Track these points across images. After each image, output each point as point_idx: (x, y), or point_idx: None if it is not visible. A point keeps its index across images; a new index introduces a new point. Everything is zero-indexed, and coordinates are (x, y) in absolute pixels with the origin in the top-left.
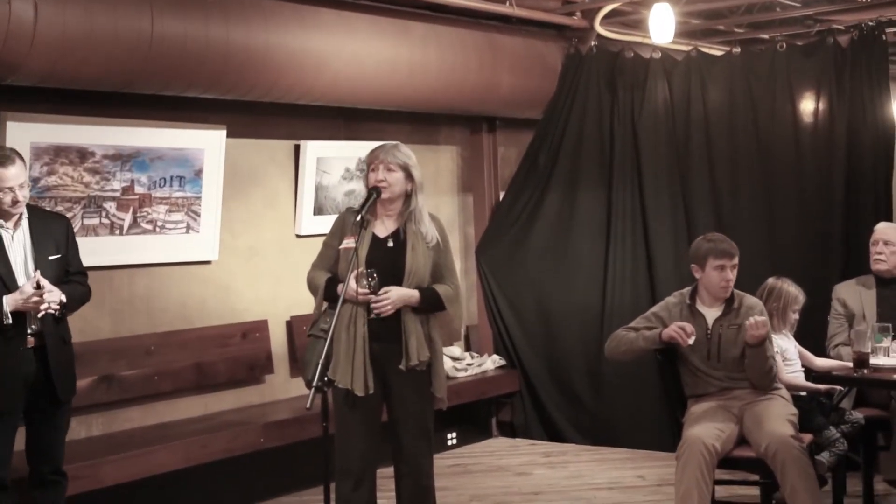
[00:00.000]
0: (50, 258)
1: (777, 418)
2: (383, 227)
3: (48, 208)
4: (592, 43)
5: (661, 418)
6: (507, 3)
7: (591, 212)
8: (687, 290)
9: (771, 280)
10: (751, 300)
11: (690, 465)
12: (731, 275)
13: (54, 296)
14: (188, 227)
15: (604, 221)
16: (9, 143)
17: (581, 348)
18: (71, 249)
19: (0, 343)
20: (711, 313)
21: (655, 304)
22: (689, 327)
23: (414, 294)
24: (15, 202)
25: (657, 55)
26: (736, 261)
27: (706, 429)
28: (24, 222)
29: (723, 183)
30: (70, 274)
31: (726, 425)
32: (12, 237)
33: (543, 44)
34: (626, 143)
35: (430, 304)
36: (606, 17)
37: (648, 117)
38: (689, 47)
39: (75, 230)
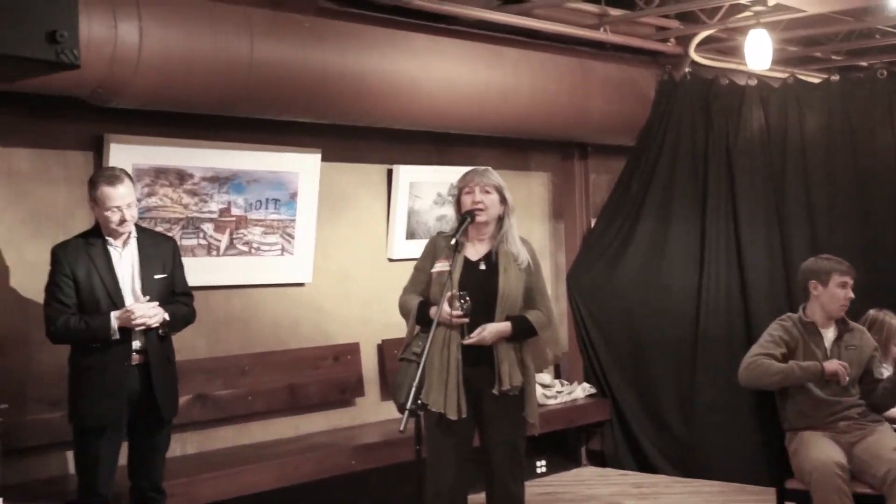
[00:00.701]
0: (156, 277)
1: (893, 448)
2: (475, 251)
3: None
4: (686, 69)
5: (756, 450)
6: (602, 30)
7: (685, 239)
8: (796, 314)
9: (872, 312)
10: (854, 324)
11: (828, 489)
12: (851, 293)
13: (157, 314)
14: (283, 250)
15: (697, 249)
16: (112, 164)
17: (673, 377)
18: (177, 270)
19: (106, 358)
20: (828, 335)
21: (749, 332)
22: (846, 365)
23: (506, 327)
24: (122, 221)
25: (753, 82)
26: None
27: (830, 453)
28: (133, 241)
29: (820, 211)
30: (176, 294)
31: (842, 455)
32: (120, 255)
33: (636, 70)
34: (721, 171)
35: (523, 333)
36: (701, 43)
37: (744, 144)
38: (785, 74)
39: (179, 250)
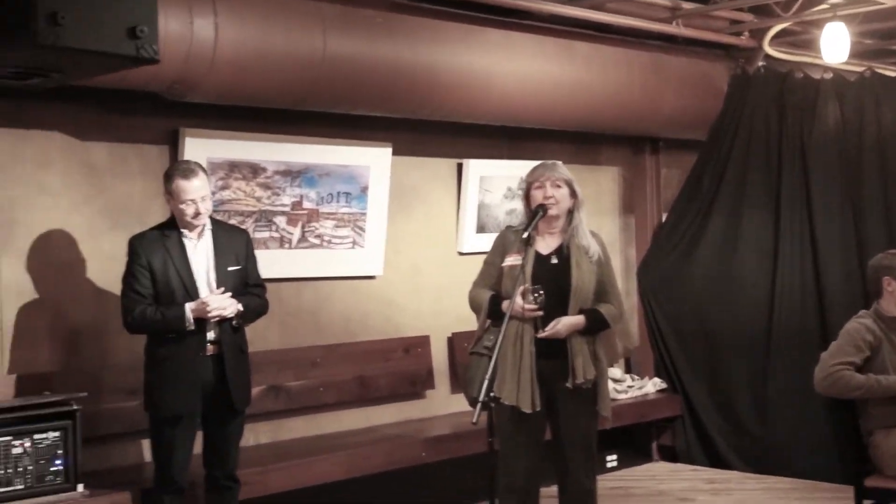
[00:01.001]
0: (230, 269)
1: None
2: (545, 245)
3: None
4: (760, 63)
5: (832, 446)
6: (674, 24)
7: (758, 234)
8: (869, 311)
9: None
10: None
11: None
12: None
13: (231, 306)
14: (354, 243)
15: (770, 244)
16: (187, 158)
17: (745, 373)
18: (250, 262)
19: (181, 349)
20: None
21: (824, 327)
22: None
23: (581, 321)
24: (197, 214)
25: (828, 76)
26: None
27: None
28: (207, 234)
29: None
30: (249, 286)
31: None
32: (195, 247)
33: (709, 64)
34: (795, 165)
35: (596, 326)
36: (775, 36)
37: (819, 138)
38: (862, 68)
39: (252, 242)
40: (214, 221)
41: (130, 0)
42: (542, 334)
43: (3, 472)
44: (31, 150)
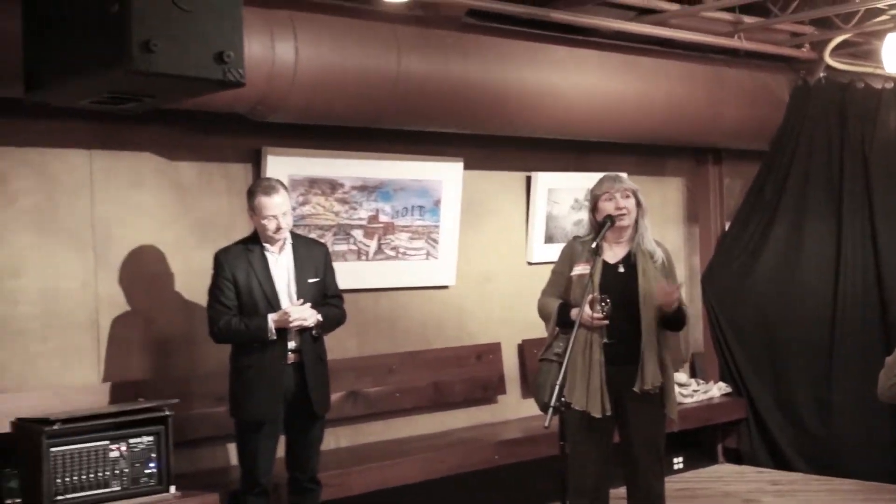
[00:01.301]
0: (310, 281)
1: None
2: (612, 254)
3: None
4: (821, 74)
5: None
6: (736, 37)
7: (820, 242)
8: None
9: None
10: None
11: None
12: None
13: (311, 316)
14: (427, 254)
15: (833, 251)
16: (269, 176)
17: (809, 376)
18: (329, 274)
19: (264, 358)
20: None
21: (887, 332)
22: None
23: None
24: (278, 228)
25: (889, 85)
26: None
27: None
28: (288, 247)
29: None
30: (327, 297)
31: None
32: (277, 260)
33: (770, 75)
34: (857, 174)
35: (678, 318)
36: (836, 48)
37: (881, 147)
38: None
39: (331, 256)
40: (295, 235)
41: (217, 27)
42: (667, 306)
43: (101, 474)
44: (125, 170)
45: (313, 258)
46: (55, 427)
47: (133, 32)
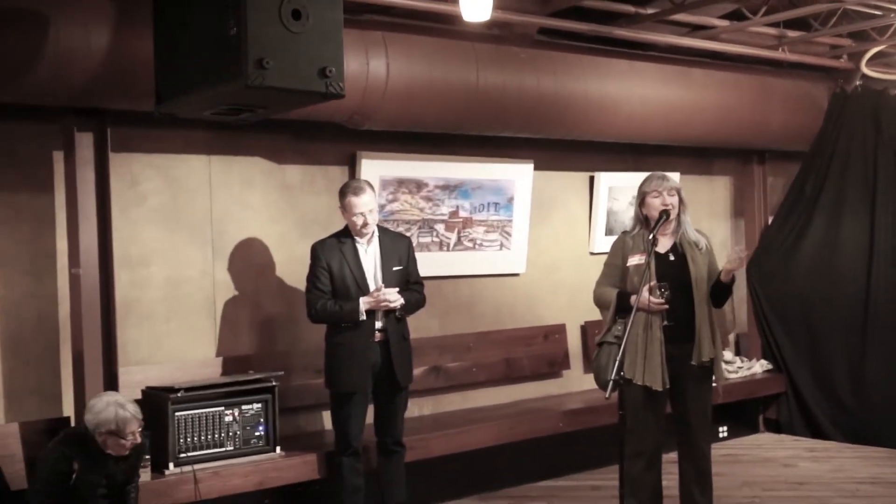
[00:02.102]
0: (394, 269)
1: None
2: (661, 245)
3: (391, 229)
4: (857, 82)
5: None
6: (780, 50)
7: (855, 232)
8: None
9: None
10: None
11: None
12: None
13: (398, 299)
14: (501, 245)
15: (867, 240)
16: (363, 177)
17: (844, 354)
18: (411, 263)
19: (355, 336)
20: None
21: None
22: None
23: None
24: (365, 224)
25: None
26: None
27: None
28: (375, 240)
29: None
30: (410, 283)
31: None
32: (366, 251)
33: (811, 84)
34: (889, 172)
35: (727, 290)
36: (871, 58)
37: None
38: None
39: (413, 247)
40: (381, 229)
41: (321, 46)
42: (736, 270)
43: (217, 435)
44: (238, 172)
45: (397, 249)
46: (179, 395)
47: (249, 52)
